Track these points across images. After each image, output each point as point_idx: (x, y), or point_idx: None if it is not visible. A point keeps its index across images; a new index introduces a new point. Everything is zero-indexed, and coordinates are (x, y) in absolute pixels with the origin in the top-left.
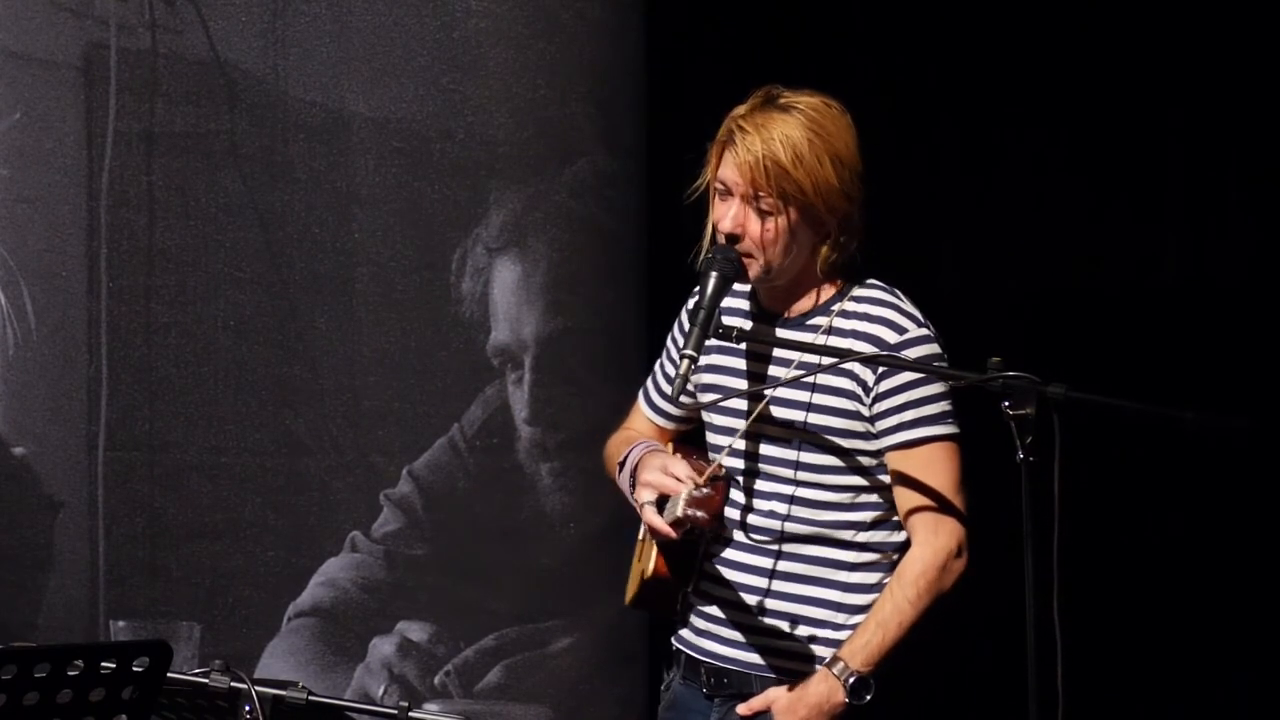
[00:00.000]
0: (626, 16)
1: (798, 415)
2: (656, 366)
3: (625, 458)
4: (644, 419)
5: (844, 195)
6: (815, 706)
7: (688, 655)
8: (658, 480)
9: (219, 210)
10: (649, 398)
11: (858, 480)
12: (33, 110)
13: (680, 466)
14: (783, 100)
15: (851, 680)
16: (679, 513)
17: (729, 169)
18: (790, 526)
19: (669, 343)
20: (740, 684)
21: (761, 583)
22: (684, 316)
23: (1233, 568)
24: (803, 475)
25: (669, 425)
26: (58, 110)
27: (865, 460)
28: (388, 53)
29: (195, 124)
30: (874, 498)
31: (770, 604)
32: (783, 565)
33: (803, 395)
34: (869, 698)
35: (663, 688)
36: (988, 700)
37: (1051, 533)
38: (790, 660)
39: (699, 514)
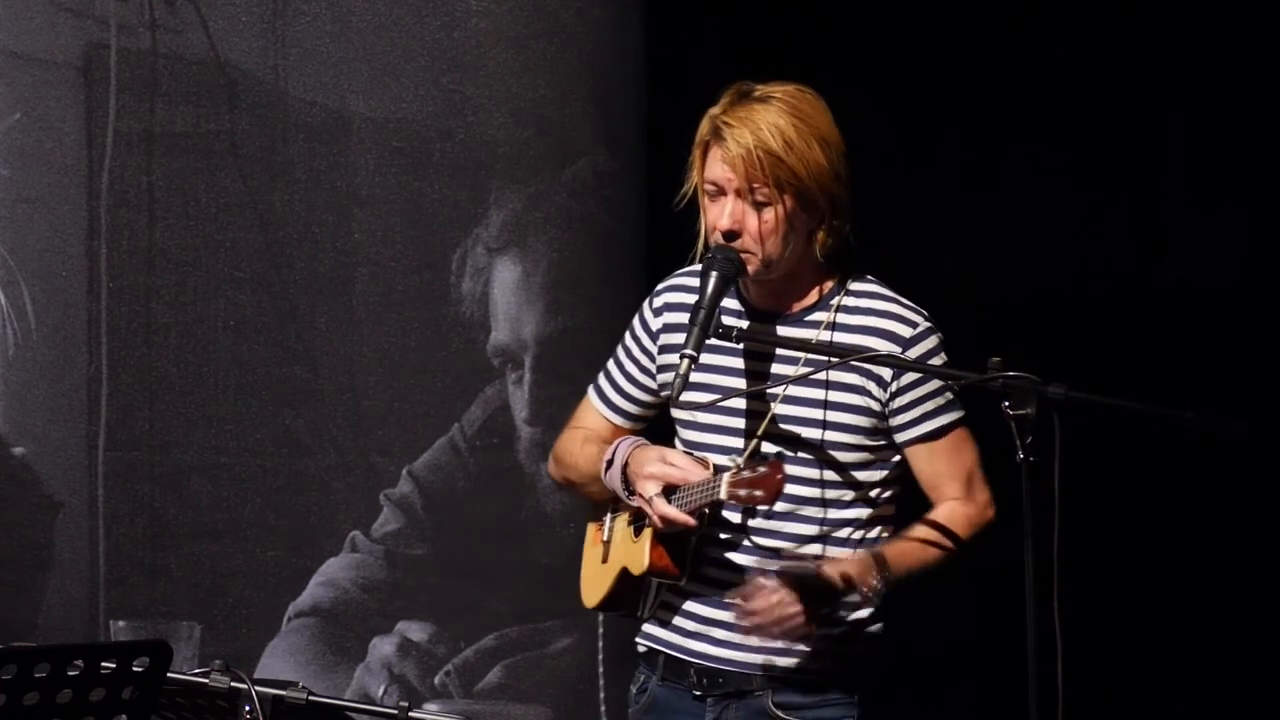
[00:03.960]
0: (626, 16)
1: (813, 426)
2: (611, 364)
3: (612, 456)
4: (597, 417)
5: (834, 176)
6: (846, 575)
7: (669, 656)
8: (662, 472)
9: (219, 210)
10: (605, 396)
11: (831, 475)
12: (33, 110)
13: (679, 457)
14: (758, 93)
15: (879, 585)
16: (723, 496)
17: (718, 167)
18: (803, 528)
19: (628, 339)
20: (739, 683)
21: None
22: (646, 312)
23: (1233, 568)
24: (829, 476)
25: (627, 424)
26: (58, 110)
27: (846, 455)
28: (388, 53)
29: (195, 124)
30: (873, 494)
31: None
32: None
33: (816, 396)
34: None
35: (635, 689)
36: (988, 699)
37: (1051, 533)
38: (795, 658)
39: (756, 493)
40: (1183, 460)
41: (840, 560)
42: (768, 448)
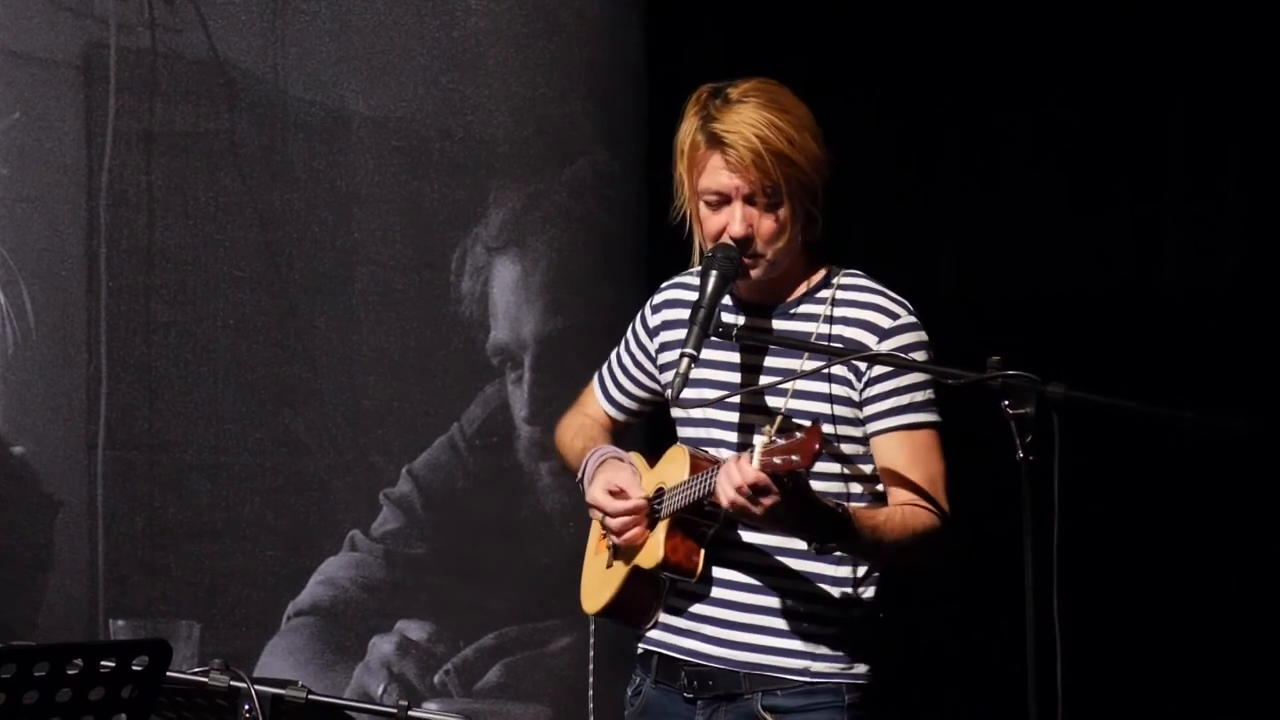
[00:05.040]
0: (626, 16)
1: (826, 422)
2: (613, 356)
3: (582, 475)
4: (596, 405)
5: (826, 162)
6: (802, 511)
7: (662, 656)
8: (592, 499)
9: (219, 210)
10: (604, 387)
11: (849, 470)
12: (33, 110)
13: (620, 480)
14: (732, 95)
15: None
16: (756, 465)
17: (721, 175)
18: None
19: (628, 335)
20: (728, 684)
21: (774, 584)
22: (646, 309)
23: (1233, 568)
24: (846, 470)
25: (622, 416)
26: (58, 110)
27: (853, 448)
28: (388, 52)
29: (195, 123)
30: (861, 487)
31: (773, 602)
32: (790, 562)
33: (822, 390)
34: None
35: (631, 692)
36: (988, 700)
37: (1051, 533)
38: (785, 658)
39: (793, 458)
40: (1183, 460)
41: (825, 498)
42: (725, 455)
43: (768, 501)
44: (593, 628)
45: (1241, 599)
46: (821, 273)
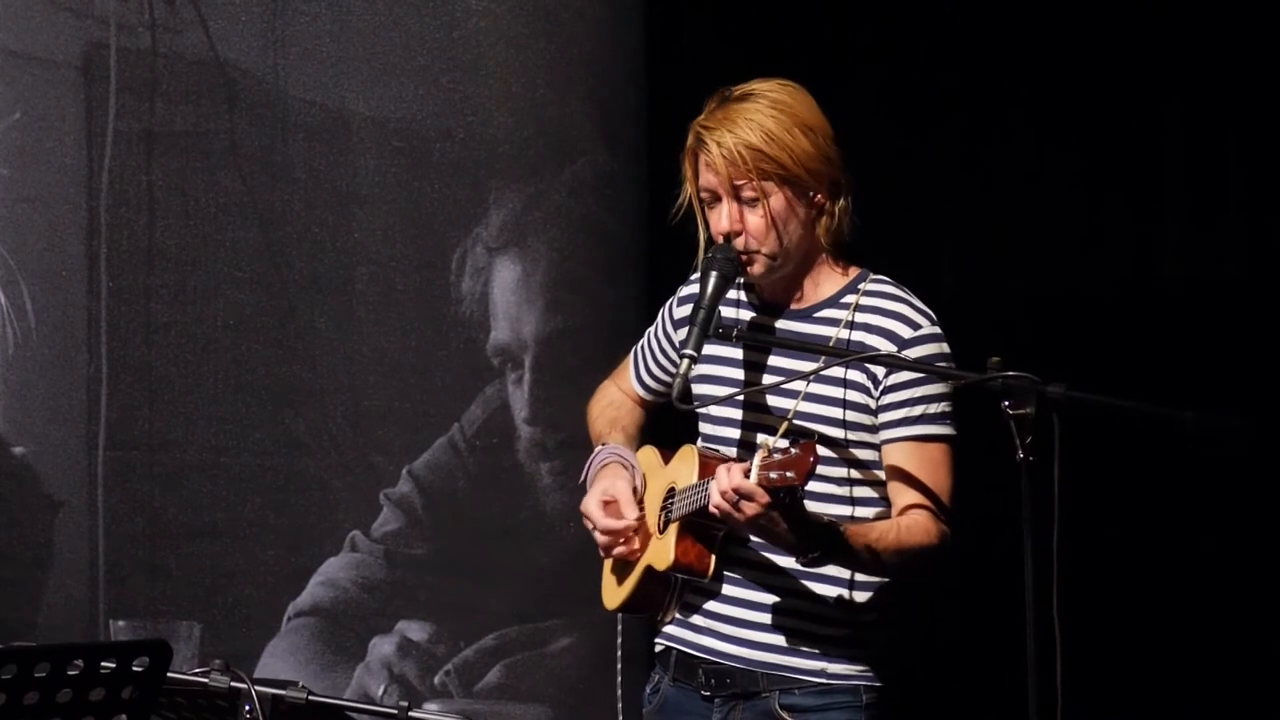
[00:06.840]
0: (626, 16)
1: (836, 426)
2: (647, 336)
3: (585, 476)
4: (628, 379)
5: (823, 158)
6: (790, 526)
7: (680, 653)
8: (583, 509)
9: (219, 210)
10: (636, 364)
11: (857, 474)
12: (33, 110)
13: (618, 490)
14: (737, 93)
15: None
16: (754, 480)
17: (706, 174)
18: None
19: (657, 321)
20: (746, 682)
21: (791, 584)
22: (674, 300)
23: (1233, 567)
24: (854, 475)
25: (649, 396)
26: (58, 110)
27: (866, 454)
28: (388, 52)
29: (195, 124)
30: (872, 492)
31: (788, 603)
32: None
33: (836, 394)
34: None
35: (649, 690)
36: (988, 700)
37: (1051, 533)
38: (801, 658)
39: (788, 474)
40: (1183, 460)
41: (818, 515)
42: (731, 452)
43: (751, 510)
44: (619, 627)
45: (1242, 599)
46: (849, 277)
